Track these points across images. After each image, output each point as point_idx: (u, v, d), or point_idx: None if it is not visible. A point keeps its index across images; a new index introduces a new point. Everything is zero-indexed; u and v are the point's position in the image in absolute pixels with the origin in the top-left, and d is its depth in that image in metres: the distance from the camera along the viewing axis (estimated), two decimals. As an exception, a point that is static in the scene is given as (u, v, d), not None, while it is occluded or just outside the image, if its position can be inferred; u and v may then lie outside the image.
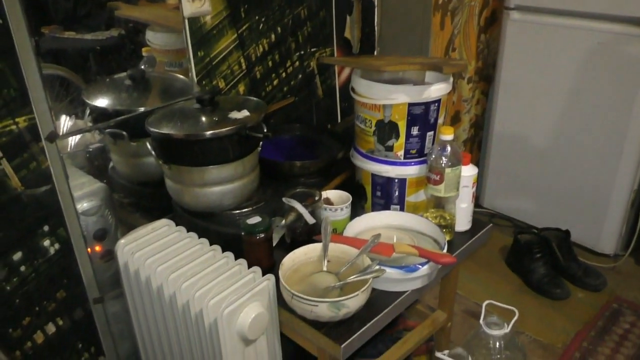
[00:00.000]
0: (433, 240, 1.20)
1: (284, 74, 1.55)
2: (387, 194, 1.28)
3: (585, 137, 1.94)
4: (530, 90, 2.03)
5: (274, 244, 1.21)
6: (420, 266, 1.07)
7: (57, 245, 1.19)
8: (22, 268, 1.15)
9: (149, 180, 1.36)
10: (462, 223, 1.29)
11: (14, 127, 1.05)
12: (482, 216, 2.29)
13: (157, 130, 1.14)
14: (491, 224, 1.34)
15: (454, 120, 2.20)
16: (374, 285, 1.10)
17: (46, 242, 1.17)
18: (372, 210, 1.32)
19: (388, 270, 1.05)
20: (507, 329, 1.33)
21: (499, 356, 1.34)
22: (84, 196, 1.33)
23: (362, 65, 1.20)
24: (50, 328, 1.23)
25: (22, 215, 1.11)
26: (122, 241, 1.14)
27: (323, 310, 0.96)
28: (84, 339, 1.30)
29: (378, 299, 1.08)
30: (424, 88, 1.16)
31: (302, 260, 1.11)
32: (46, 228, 1.16)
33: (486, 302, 1.39)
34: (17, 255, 1.13)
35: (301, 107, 1.65)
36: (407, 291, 1.10)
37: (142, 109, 1.29)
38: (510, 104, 2.10)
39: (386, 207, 1.30)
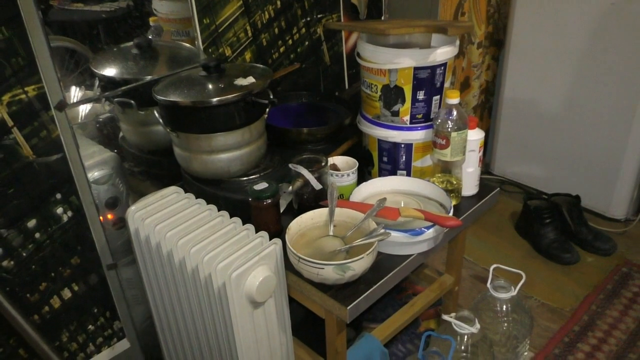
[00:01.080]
0: (439, 205, 1.20)
1: (290, 41, 1.54)
2: (393, 160, 1.29)
3: (597, 101, 1.91)
4: (542, 54, 2.00)
5: (281, 210, 1.23)
6: (425, 229, 1.08)
7: (69, 213, 1.22)
8: (37, 235, 1.18)
9: (158, 148, 1.37)
10: (469, 187, 1.29)
11: (23, 96, 1.07)
12: (492, 183, 2.29)
13: (164, 98, 1.15)
14: (498, 188, 1.34)
15: (464, 86, 2.18)
16: (380, 249, 1.11)
17: (59, 210, 1.20)
18: (379, 176, 1.33)
19: (393, 233, 1.07)
20: (514, 292, 1.35)
21: (505, 319, 1.35)
22: (95, 165, 1.36)
23: (366, 29, 1.19)
24: (67, 293, 1.27)
25: (35, 183, 1.14)
26: (132, 208, 1.16)
27: (329, 272, 0.98)
28: (99, 304, 1.34)
29: (384, 263, 1.10)
30: (429, 51, 1.15)
31: (308, 225, 1.12)
32: (59, 196, 1.19)
33: (493, 265, 1.40)
34: (32, 223, 1.16)
35: (308, 74, 1.64)
36: (412, 255, 1.11)
37: (149, 78, 1.30)
38: (521, 68, 2.07)
39: (393, 172, 1.30)
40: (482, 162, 1.29)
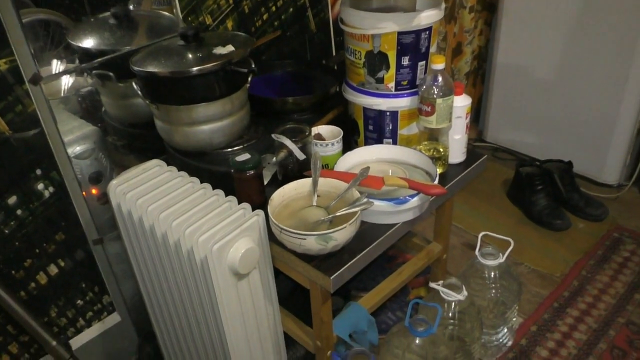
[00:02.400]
0: (425, 173, 1.19)
1: (273, 8, 1.50)
2: (379, 128, 1.26)
3: (590, 66, 1.88)
4: (535, 19, 1.95)
5: (265, 182, 1.22)
6: (409, 198, 1.06)
7: (51, 189, 1.20)
8: (19, 212, 1.17)
9: (140, 121, 1.35)
10: (456, 155, 1.27)
11: (-5, 70, 1.04)
12: (484, 150, 2.27)
13: (141, 69, 1.12)
14: (486, 155, 1.32)
15: (456, 53, 2.14)
16: (364, 218, 1.10)
17: (40, 186, 1.18)
18: (365, 145, 1.31)
19: (377, 202, 1.05)
20: (502, 259, 1.34)
21: (493, 285, 1.35)
22: (76, 140, 1.34)
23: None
24: (53, 269, 1.26)
25: (13, 160, 1.12)
26: (113, 182, 1.14)
27: (311, 243, 0.97)
28: (87, 279, 1.34)
29: (369, 232, 1.09)
30: (413, 15, 1.12)
31: (292, 196, 1.11)
32: (39, 172, 1.17)
33: (482, 233, 1.39)
34: (12, 199, 1.15)
35: (293, 43, 1.60)
36: (397, 223, 1.10)
37: (127, 49, 1.27)
38: (514, 34, 2.03)
39: (379, 141, 1.28)
40: (471, 129, 1.27)
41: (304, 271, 1.04)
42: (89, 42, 1.27)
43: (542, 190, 1.89)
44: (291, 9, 1.54)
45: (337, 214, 1.03)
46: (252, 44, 1.19)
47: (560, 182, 1.90)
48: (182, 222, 1.03)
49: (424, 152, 1.23)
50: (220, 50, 1.14)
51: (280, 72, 1.52)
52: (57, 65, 1.38)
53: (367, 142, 1.30)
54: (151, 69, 1.11)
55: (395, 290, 1.27)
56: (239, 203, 1.10)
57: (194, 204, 1.07)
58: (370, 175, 1.10)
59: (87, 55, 1.26)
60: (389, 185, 1.09)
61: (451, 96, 1.16)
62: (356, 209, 1.01)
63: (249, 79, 1.22)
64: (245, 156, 1.12)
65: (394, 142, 1.28)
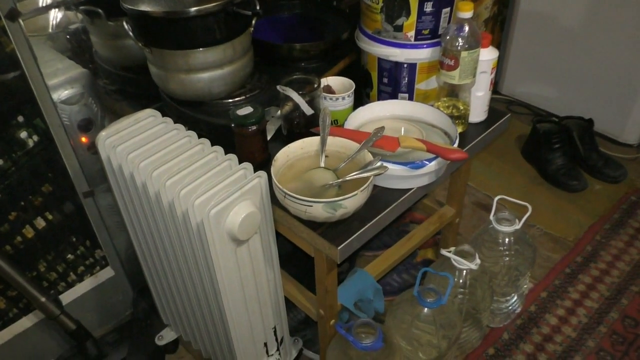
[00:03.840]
0: (443, 133, 1.09)
1: (281, -60, 1.35)
2: (394, 81, 1.15)
3: (618, 19, 1.73)
4: (565, -41, 1.79)
5: (269, 137, 1.12)
6: (427, 162, 0.97)
7: (35, 137, 1.10)
8: (0, 162, 1.07)
9: (133, 64, 1.23)
10: (478, 113, 1.17)
11: (-36, 3, 0.92)
12: (499, 103, 2.15)
13: (131, 7, 0.99)
14: (510, 114, 1.21)
15: (476, -4, 1.98)
16: (377, 182, 1.01)
17: (23, 134, 1.09)
18: (378, 99, 1.20)
19: (392, 166, 0.96)
20: (518, 226, 1.26)
21: (508, 252, 1.28)
22: (63, 83, 1.23)
23: None
24: (40, 222, 1.19)
25: (-9, 105, 1.02)
26: (102, 133, 1.04)
27: (318, 210, 0.89)
28: (77, 232, 1.26)
29: (380, 197, 1.00)
30: (441, -46, 0.98)
31: (297, 155, 1.01)
32: (21, 119, 1.07)
33: (498, 197, 1.31)
34: (-7, 149, 1.05)
35: (303, -19, 1.45)
36: (412, 188, 1.02)
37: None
38: (541, -24, 1.87)
39: (393, 95, 1.17)
40: (492, 85, 1.15)
41: (309, 239, 0.96)
42: (74, -26, 1.14)
43: (559, 149, 1.79)
44: (302, -56, 1.39)
45: (347, 178, 0.93)
46: (257, -18, 1.05)
47: (579, 141, 1.80)
48: (176, 181, 0.94)
49: (442, 109, 1.13)
50: (220, -12, 1.01)
51: (288, 14, 1.39)
52: (45, -1, 1.26)
53: (381, 96, 1.19)
54: (144, 7, 0.99)
55: (404, 256, 1.20)
56: (240, 161, 1.01)
57: (191, 161, 0.98)
58: (385, 135, 1.01)
59: (72, -12, 1.13)
60: (405, 147, 0.99)
61: (478, 49, 1.04)
62: (368, 174, 0.91)
63: (253, 22, 1.10)
64: (247, 109, 1.01)
65: (410, 97, 1.17)
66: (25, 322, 1.26)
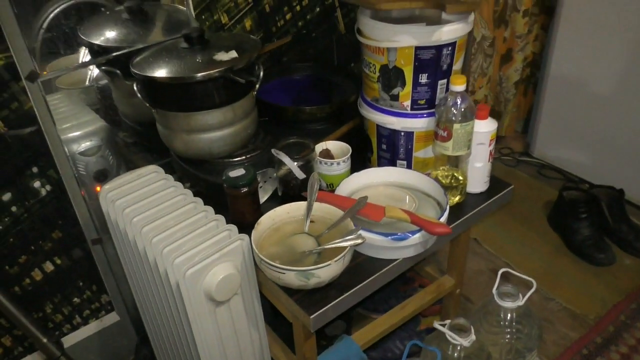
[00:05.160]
0: (436, 203, 1.07)
1: (298, 7, 1.41)
2: (392, 148, 1.16)
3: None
4: (596, 26, 1.75)
5: (265, 197, 1.15)
6: (410, 235, 0.96)
7: (48, 187, 1.18)
8: (14, 208, 1.15)
9: (147, 120, 1.29)
10: (477, 184, 1.14)
11: (-11, 66, 1.01)
12: (530, 167, 2.10)
13: (138, 72, 1.06)
14: (512, 186, 1.18)
15: (505, 60, 1.97)
16: (361, 250, 1.01)
17: (36, 184, 1.16)
18: (378, 165, 1.20)
19: (374, 236, 0.95)
20: (521, 302, 1.21)
21: (509, 330, 1.22)
22: (84, 136, 1.31)
23: (359, 1, 1.04)
24: (49, 266, 1.25)
25: (8, 157, 1.10)
26: (105, 187, 1.10)
27: (291, 278, 0.89)
28: (85, 277, 1.32)
29: (364, 265, 0.99)
30: (433, 29, 1.00)
31: (284, 219, 1.03)
32: (35, 170, 1.15)
33: (502, 269, 1.26)
34: (7, 196, 1.13)
35: (319, 44, 1.50)
36: (397, 259, 1.00)
37: (139, 46, 1.22)
38: (572, 41, 1.84)
39: (392, 161, 1.17)
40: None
41: (286, 304, 0.96)
42: (98, 37, 1.23)
43: (586, 219, 1.72)
44: (318, 9, 1.44)
45: (327, 246, 0.94)
46: (258, 50, 1.10)
47: (607, 211, 1.72)
48: (162, 239, 0.97)
49: (440, 178, 1.12)
50: (221, 56, 1.06)
51: (301, 76, 1.43)
52: (84, 54, 1.35)
53: (380, 161, 1.20)
54: (149, 72, 1.05)
55: (394, 326, 1.17)
56: (232, 220, 1.03)
57: (180, 219, 1.01)
58: (371, 204, 1.01)
59: (94, 50, 1.22)
60: (390, 218, 0.99)
61: (471, 122, 1.03)
62: (345, 243, 0.91)
63: (257, 86, 1.15)
64: (240, 171, 1.04)
65: (409, 165, 1.17)
66: (29, 361, 1.31)
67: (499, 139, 2.21)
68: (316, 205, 1.01)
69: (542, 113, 2.04)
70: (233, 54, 1.07)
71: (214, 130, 1.11)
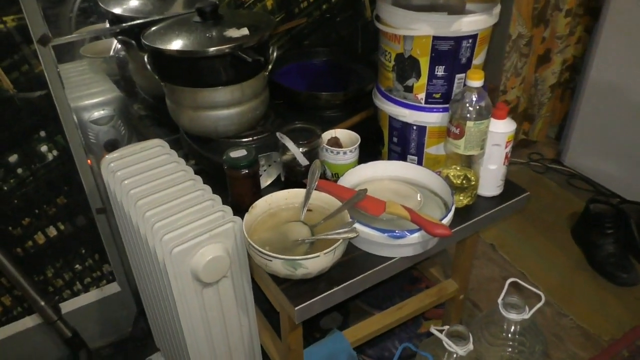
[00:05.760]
0: (443, 203, 1.02)
1: (323, -11, 1.37)
2: (404, 142, 1.11)
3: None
4: (643, 31, 1.65)
5: (268, 182, 1.12)
6: (408, 233, 0.91)
7: (55, 152, 1.18)
8: (19, 170, 1.16)
9: (160, 93, 1.28)
10: (489, 187, 1.09)
11: (1, 25, 1.01)
12: (559, 175, 2.01)
13: (147, 43, 1.05)
14: (527, 193, 1.12)
15: (542, 60, 1.88)
16: (358, 245, 0.97)
17: (43, 148, 1.17)
18: (389, 158, 1.16)
19: (371, 232, 0.91)
20: (526, 314, 1.15)
21: (511, 343, 1.17)
22: (98, 104, 1.31)
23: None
24: (52, 231, 1.26)
25: (16, 118, 1.10)
26: (107, 157, 1.09)
27: (277, 266, 0.86)
28: (87, 245, 1.32)
29: (359, 260, 0.95)
30: (452, 19, 0.94)
31: (281, 205, 1.00)
32: (43, 134, 1.15)
33: (510, 279, 1.20)
34: (13, 158, 1.14)
35: (343, 29, 1.46)
36: (394, 258, 0.96)
37: (155, 18, 1.20)
38: (615, 46, 1.73)
39: (402, 156, 1.13)
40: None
41: (273, 293, 0.93)
42: (116, 6, 1.22)
43: (612, 235, 1.63)
44: (344, -8, 1.40)
45: (319, 236, 0.90)
46: (271, 29, 1.06)
47: (636, 229, 1.62)
48: (154, 214, 0.96)
49: (451, 177, 1.06)
50: (233, 32, 1.03)
51: (320, 61, 1.39)
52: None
53: (390, 155, 1.15)
54: (158, 44, 1.03)
55: (389, 326, 1.13)
56: (231, 202, 1.01)
57: (175, 196, 1.00)
58: (372, 197, 0.96)
59: (110, 19, 1.21)
60: (390, 214, 0.94)
61: (486, 120, 0.97)
62: (337, 236, 0.88)
63: (269, 67, 1.11)
64: (241, 152, 1.01)
65: (420, 161, 1.12)
66: (28, 322, 1.33)
67: (529, 143, 2.12)
68: (316, 194, 0.98)
69: (577, 120, 1.94)
70: (244, 31, 1.04)
71: (221, 108, 1.09)
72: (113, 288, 1.42)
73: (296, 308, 0.87)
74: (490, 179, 1.08)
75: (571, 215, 1.83)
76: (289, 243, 0.92)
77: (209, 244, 0.92)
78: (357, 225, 0.91)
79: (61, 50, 1.15)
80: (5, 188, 1.15)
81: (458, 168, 1.07)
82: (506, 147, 1.05)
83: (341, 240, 0.87)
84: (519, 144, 2.10)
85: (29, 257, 1.25)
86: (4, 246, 1.18)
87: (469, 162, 1.05)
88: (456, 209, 1.05)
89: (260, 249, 0.86)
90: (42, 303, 1.24)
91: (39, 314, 1.26)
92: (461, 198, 1.06)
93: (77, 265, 1.33)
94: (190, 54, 1.00)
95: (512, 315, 1.15)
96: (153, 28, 1.10)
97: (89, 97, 1.29)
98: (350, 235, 0.88)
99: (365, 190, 0.95)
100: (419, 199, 1.02)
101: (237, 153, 1.01)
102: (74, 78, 1.28)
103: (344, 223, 0.92)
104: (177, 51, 1.01)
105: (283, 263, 0.85)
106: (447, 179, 1.06)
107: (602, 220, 1.64)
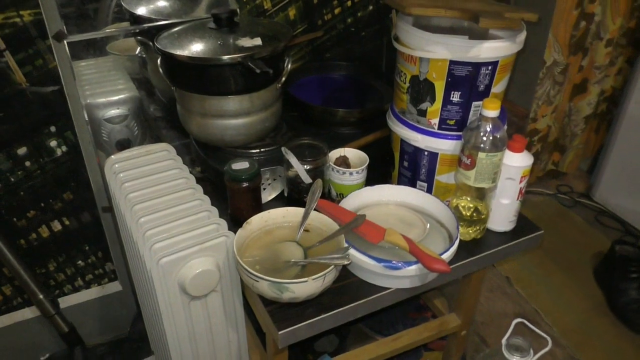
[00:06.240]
0: (448, 235, 0.97)
1: (349, 2, 1.33)
2: (414, 167, 1.06)
3: None
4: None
5: (272, 196, 1.09)
6: (404, 265, 0.87)
7: (64, 148, 1.18)
8: (27, 163, 1.16)
9: (174, 96, 1.28)
10: (501, 222, 1.03)
11: (17, 19, 1.02)
12: (587, 211, 1.91)
13: (159, 47, 1.03)
14: (541, 232, 1.05)
15: (578, 90, 1.80)
16: (354, 271, 0.93)
17: (53, 143, 1.17)
18: (398, 183, 1.11)
19: (366, 260, 0.87)
20: (531, 359, 1.08)
21: (511, 387, 1.10)
22: (113, 103, 1.30)
23: (393, 4, 0.95)
24: (56, 225, 1.26)
25: (26, 112, 1.11)
26: (112, 157, 1.09)
27: (264, 287, 0.83)
28: (91, 242, 1.32)
29: (352, 288, 0.91)
30: (471, 44, 0.89)
31: (278, 223, 0.97)
32: (53, 129, 1.15)
33: (516, 320, 1.14)
34: (22, 150, 1.14)
35: (368, 45, 1.42)
36: (390, 289, 0.91)
37: (173, 21, 1.19)
38: (658, 81, 1.64)
39: (412, 181, 1.08)
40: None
41: (260, 313, 0.90)
42: (137, 7, 1.21)
43: (636, 280, 1.53)
44: (371, 7, 1.36)
45: (312, 260, 0.87)
46: (286, 43, 1.04)
47: (663, 277, 1.53)
48: (148, 221, 0.94)
49: (461, 209, 1.01)
50: (245, 42, 1.01)
51: (341, 75, 1.36)
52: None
53: (400, 179, 1.11)
54: (169, 48, 1.02)
55: (384, 357, 1.08)
56: (231, 214, 0.99)
57: (173, 203, 0.98)
58: (372, 223, 0.92)
59: (134, 19, 1.20)
60: (388, 242, 0.90)
61: (499, 153, 0.92)
62: (329, 262, 0.84)
63: (282, 79, 1.09)
64: (243, 164, 0.99)
65: (429, 188, 1.07)
66: (27, 313, 1.33)
67: (558, 174, 2.03)
68: (315, 214, 0.95)
69: (611, 154, 1.84)
70: (257, 41, 1.01)
71: (229, 117, 1.06)
72: (114, 287, 1.41)
73: (280, 332, 0.84)
74: (502, 213, 1.02)
75: (595, 254, 1.74)
76: (281, 264, 0.89)
77: (198, 257, 0.89)
78: (352, 252, 0.88)
79: (88, 45, 1.16)
80: (13, 179, 1.16)
81: (469, 199, 1.02)
82: (521, 181, 0.99)
83: (332, 267, 0.84)
84: (548, 175, 2.01)
85: (32, 249, 1.26)
86: (7, 237, 1.18)
87: (480, 194, 1.00)
88: (463, 242, 1.00)
89: (247, 268, 0.83)
90: (41, 296, 1.25)
91: (37, 306, 1.26)
92: (470, 231, 1.01)
93: (79, 261, 1.33)
94: (199, 60, 0.99)
95: (515, 359, 1.09)
96: (168, 31, 1.09)
97: (105, 95, 1.29)
98: (343, 262, 0.84)
99: (364, 215, 0.91)
100: (424, 228, 0.98)
101: (239, 165, 0.99)
102: (94, 75, 1.29)
103: (339, 248, 0.88)
104: (186, 57, 0.99)
105: (269, 285, 0.82)
106: (456, 209, 1.01)
107: (628, 264, 1.55)
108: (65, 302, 1.34)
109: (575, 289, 1.64)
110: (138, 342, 1.41)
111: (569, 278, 1.67)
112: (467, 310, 1.14)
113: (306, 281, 0.81)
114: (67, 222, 1.27)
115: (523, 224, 1.05)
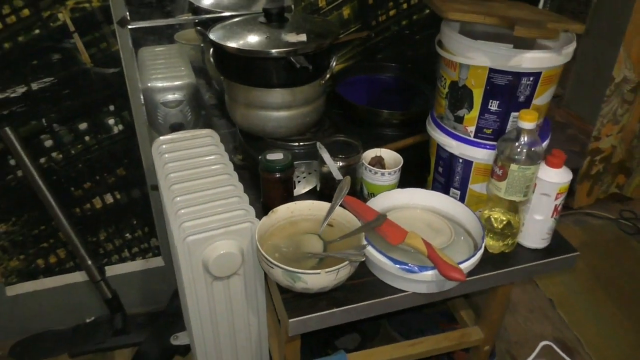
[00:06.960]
0: (474, 245, 0.96)
1: (405, 5, 1.33)
2: (448, 173, 1.05)
3: None
4: None
5: (306, 189, 1.12)
6: (419, 269, 0.86)
7: (120, 126, 1.26)
8: (87, 138, 1.25)
9: (226, 86, 1.33)
10: (533, 239, 1.00)
11: (87, 4, 1.10)
12: (630, 223, 1.80)
13: (210, 37, 1.08)
14: (577, 253, 1.01)
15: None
16: (373, 270, 0.94)
17: (111, 121, 1.25)
18: (432, 188, 1.10)
19: (382, 259, 0.88)
20: (554, 384, 1.04)
21: (530, 409, 1.07)
22: (170, 88, 1.38)
23: (431, 4, 0.94)
24: (109, 198, 1.35)
25: (89, 90, 1.19)
26: (160, 138, 1.15)
27: (278, 274, 0.85)
28: (139, 217, 1.40)
29: (369, 286, 0.92)
30: (512, 52, 0.87)
31: (304, 215, 0.99)
32: (112, 108, 1.23)
33: (543, 342, 1.10)
34: (83, 125, 1.23)
35: (421, 49, 1.41)
36: (406, 292, 0.91)
37: (229, 13, 1.24)
38: None
39: (445, 188, 1.07)
40: (558, 212, 0.97)
41: (275, 299, 0.92)
42: (206, 1, 1.28)
43: (693, 319, 1.43)
44: (427, 11, 1.35)
45: (329, 254, 0.88)
46: (332, 40, 1.06)
47: None
48: (182, 200, 0.99)
49: (493, 220, 0.99)
50: (291, 37, 1.04)
51: (389, 76, 1.36)
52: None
53: (434, 185, 1.10)
54: (219, 39, 1.07)
55: (399, 360, 1.08)
56: (263, 202, 1.02)
57: (208, 186, 1.03)
58: (395, 224, 0.93)
59: (194, 10, 1.27)
60: (408, 245, 0.90)
61: (532, 167, 0.89)
62: (344, 257, 0.85)
63: (327, 76, 1.11)
64: (278, 155, 1.02)
65: (462, 196, 1.05)
66: (77, 277, 1.43)
67: (623, 198, 1.92)
68: (340, 210, 0.96)
69: (682, 182, 1.72)
70: (302, 37, 1.04)
71: (271, 109, 1.10)
72: (157, 262, 1.49)
73: (290, 320, 0.86)
74: (535, 229, 0.99)
75: (652, 285, 1.64)
76: (300, 255, 0.91)
77: (223, 239, 0.93)
78: (370, 250, 0.88)
79: (161, 33, 1.24)
80: (73, 152, 1.25)
81: (502, 212, 0.99)
82: (557, 198, 0.95)
83: (347, 262, 0.85)
84: (611, 198, 1.91)
85: (86, 218, 1.35)
86: (64, 205, 1.28)
87: (513, 207, 0.97)
88: (491, 254, 0.98)
89: (264, 254, 0.86)
90: (89, 262, 1.34)
91: (86, 271, 1.35)
92: (499, 244, 0.99)
93: (127, 234, 1.42)
94: (244, 52, 1.02)
95: (538, 382, 1.05)
96: (222, 23, 1.14)
97: (165, 80, 1.36)
98: (357, 259, 0.85)
99: (385, 215, 0.91)
100: (450, 235, 0.97)
101: (274, 155, 1.02)
102: (158, 60, 1.37)
103: (358, 245, 0.89)
104: (234, 48, 1.04)
105: (283, 273, 0.84)
106: (487, 221, 0.99)
107: (685, 300, 1.44)
108: (111, 270, 1.43)
109: (623, 320, 1.55)
110: (174, 317, 1.48)
111: (619, 309, 1.58)
112: (491, 325, 1.11)
113: (319, 273, 0.83)
114: (118, 196, 1.35)
115: (558, 243, 1.01)
